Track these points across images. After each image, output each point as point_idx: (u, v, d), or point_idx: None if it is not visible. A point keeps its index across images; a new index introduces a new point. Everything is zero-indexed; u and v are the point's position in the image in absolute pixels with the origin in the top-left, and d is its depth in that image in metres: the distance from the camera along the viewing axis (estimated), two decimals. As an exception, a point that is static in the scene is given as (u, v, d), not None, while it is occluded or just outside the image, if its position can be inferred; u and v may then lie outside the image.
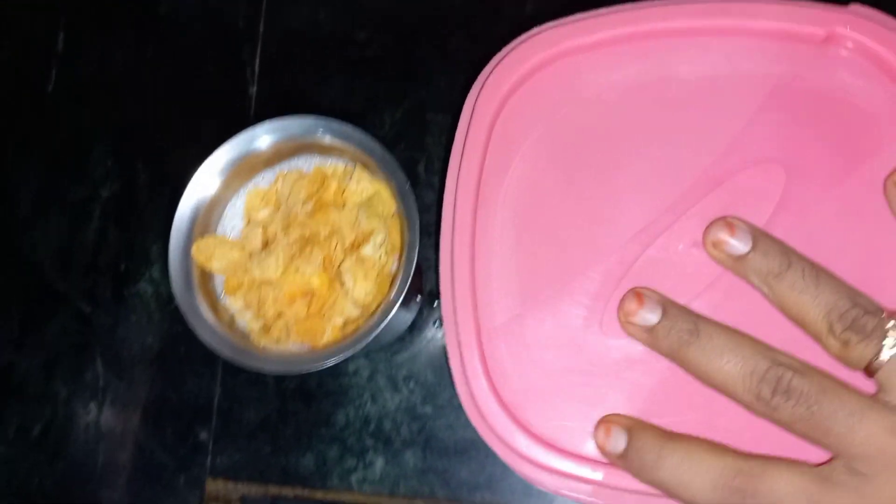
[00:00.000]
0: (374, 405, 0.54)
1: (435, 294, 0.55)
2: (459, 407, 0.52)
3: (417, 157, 0.57)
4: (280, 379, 0.55)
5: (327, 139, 0.43)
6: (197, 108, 0.61)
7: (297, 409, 0.55)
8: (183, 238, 0.44)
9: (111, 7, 0.64)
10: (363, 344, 0.40)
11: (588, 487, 0.39)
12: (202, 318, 0.43)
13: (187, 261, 0.44)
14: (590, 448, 0.40)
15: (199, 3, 0.63)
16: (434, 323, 0.55)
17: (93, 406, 0.56)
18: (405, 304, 0.42)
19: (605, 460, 0.39)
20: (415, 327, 0.55)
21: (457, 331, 0.41)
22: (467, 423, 0.51)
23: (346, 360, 0.53)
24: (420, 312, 0.55)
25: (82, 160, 0.61)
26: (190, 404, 0.56)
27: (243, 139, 0.45)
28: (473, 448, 0.53)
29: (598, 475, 0.39)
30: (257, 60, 0.61)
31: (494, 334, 0.42)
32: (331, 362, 0.41)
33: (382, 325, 0.41)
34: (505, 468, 0.51)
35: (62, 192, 0.61)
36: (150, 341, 0.57)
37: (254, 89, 0.60)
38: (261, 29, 0.61)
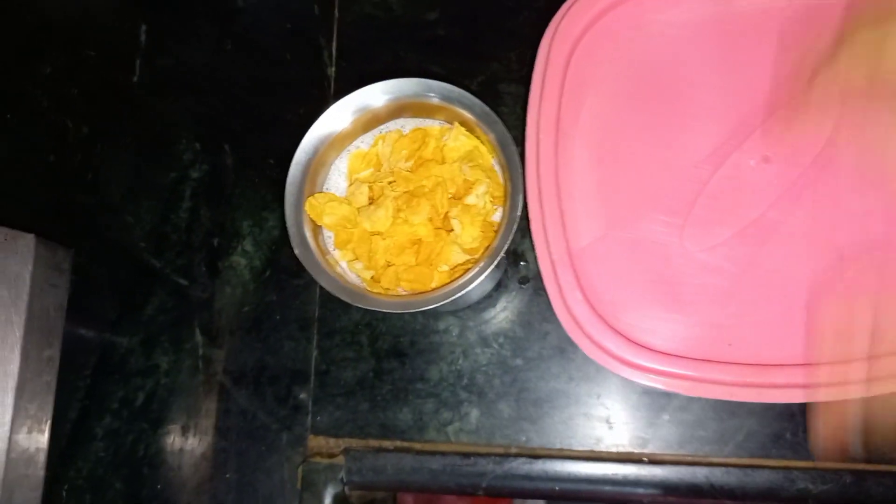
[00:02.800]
0: (465, 360, 0.57)
1: (519, 254, 0.58)
2: (550, 358, 0.55)
3: (495, 125, 0.60)
4: (374, 338, 0.58)
5: (435, 99, 0.46)
6: (277, 94, 0.64)
7: (393, 368, 0.57)
8: (295, 195, 0.47)
9: (188, 2, 0.67)
10: (483, 275, 0.43)
11: (683, 383, 0.43)
12: (320, 266, 0.45)
13: (300, 216, 0.47)
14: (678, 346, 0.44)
15: (275, -7, 0.66)
16: (519, 282, 0.58)
17: (194, 374, 0.59)
18: (508, 250, 0.45)
19: (691, 355, 0.44)
20: (500, 286, 0.58)
21: (549, 251, 0.45)
22: (558, 373, 0.54)
23: (435, 319, 0.56)
24: (505, 272, 0.58)
25: (170, 146, 0.64)
26: (288, 368, 0.58)
27: (347, 103, 0.48)
28: (564, 396, 0.55)
29: (688, 371, 0.43)
30: (334, 45, 0.64)
31: (582, 254, 0.46)
32: (449, 299, 0.43)
33: (496, 262, 0.43)
34: (591, 414, 0.54)
35: (152, 177, 0.64)
36: (246, 310, 0.60)
37: (332, 71, 0.64)
38: (335, 15, 0.65)
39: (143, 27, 0.67)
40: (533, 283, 0.58)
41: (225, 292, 0.61)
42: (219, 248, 0.61)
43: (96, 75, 0.67)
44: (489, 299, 0.57)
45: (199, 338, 0.60)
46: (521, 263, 0.58)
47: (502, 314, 0.57)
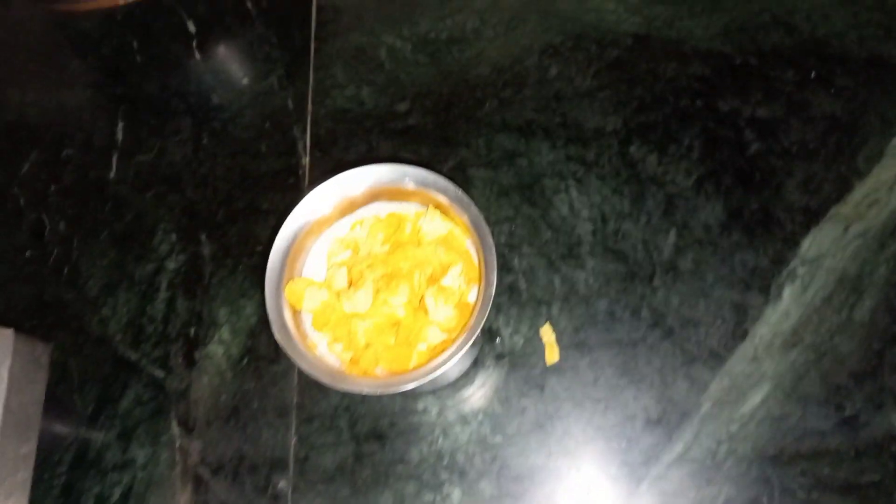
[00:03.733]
0: (445, 440, 0.57)
1: (494, 331, 0.59)
2: (529, 433, 0.56)
3: (465, 208, 0.62)
4: (353, 422, 0.58)
5: (410, 185, 0.48)
6: (254, 184, 0.66)
7: (373, 451, 0.57)
8: (275, 281, 0.48)
9: (167, 99, 0.69)
10: (460, 353, 0.44)
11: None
12: (300, 350, 0.46)
13: (280, 301, 0.48)
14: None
15: (249, 90, 0.69)
16: (495, 358, 0.59)
17: (171, 467, 0.59)
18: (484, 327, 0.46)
19: None
20: (477, 363, 0.59)
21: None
22: (538, 447, 0.55)
23: (414, 399, 0.57)
24: (481, 349, 0.59)
25: (147, 238, 0.65)
26: (267, 456, 0.58)
27: (324, 190, 0.49)
28: (544, 471, 0.56)
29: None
30: (308, 136, 0.67)
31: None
32: (430, 377, 0.44)
33: (473, 338, 0.44)
34: (571, 488, 0.54)
35: (129, 269, 0.64)
36: (223, 399, 0.60)
37: (306, 161, 0.66)
38: (309, 108, 0.67)
39: (121, 125, 0.69)
40: (509, 358, 0.59)
41: (202, 382, 0.61)
42: (195, 338, 0.62)
43: (74, 172, 0.68)
44: (467, 377, 0.58)
45: (175, 429, 0.60)
46: (497, 340, 0.59)
47: (480, 391, 0.58)
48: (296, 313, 0.49)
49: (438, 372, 0.44)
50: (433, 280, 0.48)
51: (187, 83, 0.69)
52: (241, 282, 0.63)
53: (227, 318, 0.62)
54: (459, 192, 0.48)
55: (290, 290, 0.48)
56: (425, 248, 0.49)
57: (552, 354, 0.59)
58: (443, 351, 0.46)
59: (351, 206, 0.51)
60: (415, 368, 0.47)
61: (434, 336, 0.48)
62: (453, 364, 0.44)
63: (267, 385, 0.60)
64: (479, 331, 0.45)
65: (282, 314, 0.48)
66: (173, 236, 0.65)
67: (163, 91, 0.69)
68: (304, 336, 0.49)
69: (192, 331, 0.62)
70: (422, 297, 0.48)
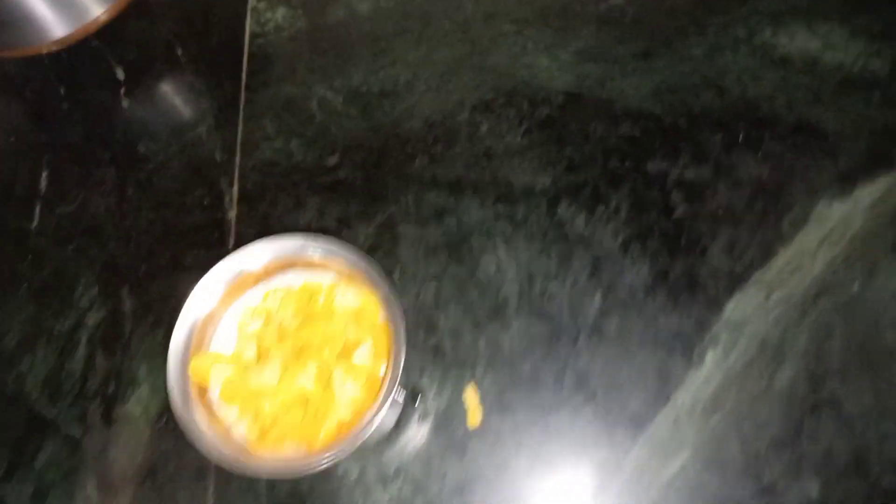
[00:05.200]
0: (366, 502, 0.56)
1: (417, 392, 0.59)
2: (450, 497, 0.55)
3: (392, 266, 0.61)
4: (271, 486, 0.57)
5: (316, 256, 0.48)
6: (178, 238, 0.65)
7: (290, 517, 0.56)
8: (180, 357, 0.47)
9: (92, 148, 0.68)
10: (360, 441, 0.43)
11: None
12: (201, 431, 0.45)
13: (184, 378, 0.47)
14: None
15: (177, 140, 0.68)
16: (417, 419, 0.58)
17: (84, 531, 0.57)
18: (392, 403, 0.46)
19: None
20: (399, 424, 0.58)
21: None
22: (455, 517, 0.54)
23: (335, 464, 0.56)
24: (404, 409, 0.58)
25: (67, 292, 0.64)
26: (183, 521, 0.57)
27: (235, 260, 0.49)
28: (463, 541, 0.55)
29: None
30: (235, 189, 0.66)
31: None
32: (328, 462, 0.43)
33: (377, 423, 0.44)
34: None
35: (48, 324, 0.63)
36: (140, 459, 0.59)
37: (233, 214, 0.65)
38: (237, 160, 0.66)
39: (45, 173, 0.67)
40: (432, 420, 0.58)
41: (119, 442, 0.59)
42: (114, 396, 0.61)
43: (-6, 221, 0.66)
44: (388, 439, 0.58)
45: (91, 491, 0.58)
46: (419, 401, 0.58)
47: (402, 453, 0.57)
48: (202, 388, 0.48)
49: (339, 456, 0.43)
50: (343, 356, 0.48)
51: (114, 132, 0.68)
52: (161, 339, 0.62)
53: (147, 375, 0.61)
54: (371, 264, 0.47)
55: (194, 368, 0.47)
56: (336, 321, 0.48)
57: (474, 418, 0.58)
58: (350, 427, 0.46)
59: (264, 275, 0.51)
60: (323, 447, 0.46)
61: (343, 412, 0.47)
62: (350, 451, 0.44)
63: (185, 446, 0.58)
64: (383, 412, 0.45)
65: (186, 391, 0.47)
66: (94, 290, 0.64)
67: (88, 139, 0.68)
68: (211, 410, 0.48)
69: (111, 388, 0.61)
70: (330, 374, 0.47)
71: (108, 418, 0.60)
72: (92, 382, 0.61)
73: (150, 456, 0.59)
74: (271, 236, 0.49)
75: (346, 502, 0.57)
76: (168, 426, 0.59)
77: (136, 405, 0.60)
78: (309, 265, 0.50)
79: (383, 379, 0.47)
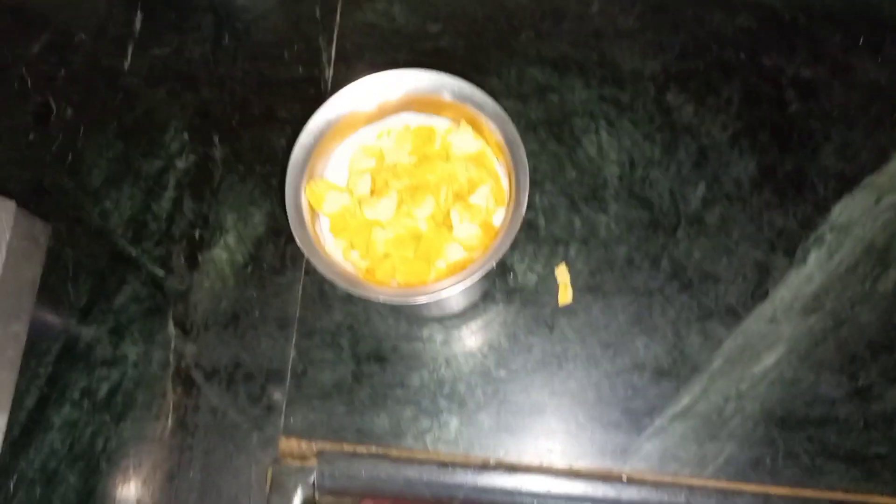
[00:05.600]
0: (448, 369, 0.56)
1: (508, 266, 0.57)
2: (533, 371, 0.54)
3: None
4: (355, 341, 0.56)
5: (447, 97, 0.46)
6: (273, 91, 0.63)
7: (372, 372, 0.56)
8: (296, 179, 0.46)
9: (189, -6, 0.66)
10: (480, 273, 0.42)
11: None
12: (317, 251, 0.44)
13: (299, 200, 0.46)
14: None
15: (277, -6, 0.66)
16: (506, 293, 0.57)
17: (164, 368, 0.57)
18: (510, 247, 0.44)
19: None
20: (487, 296, 0.57)
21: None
22: (541, 385, 0.53)
23: (420, 324, 0.55)
24: (493, 283, 0.57)
25: (157, 135, 0.62)
26: (264, 367, 0.56)
27: (357, 87, 0.47)
28: (546, 410, 0.54)
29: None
30: (333, 48, 0.64)
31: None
32: (449, 292, 0.42)
33: (497, 258, 0.42)
34: (571, 431, 0.53)
35: (136, 164, 0.62)
36: (223, 305, 0.58)
37: (329, 73, 0.63)
38: (337, 19, 0.64)
39: (139, 15, 0.66)
40: (520, 295, 0.57)
41: (203, 286, 0.59)
42: (200, 241, 0.60)
43: (86, 59, 0.65)
44: (475, 309, 0.57)
45: (172, 330, 0.58)
46: (510, 276, 0.57)
47: (488, 325, 0.57)
48: (314, 216, 0.47)
49: (458, 289, 0.42)
50: (460, 196, 0.46)
51: (213, -21, 0.66)
52: (251, 189, 0.61)
53: (235, 224, 0.60)
54: (498, 108, 0.46)
55: (310, 191, 0.46)
56: (454, 163, 0.47)
57: (565, 295, 0.57)
58: (462, 269, 0.45)
59: (379, 114, 0.49)
60: (432, 284, 0.45)
61: (454, 253, 0.46)
62: (473, 282, 0.43)
63: (269, 295, 0.58)
64: (502, 254, 0.43)
65: (301, 213, 0.45)
66: (185, 135, 0.62)
67: (186, -17, 0.66)
68: (320, 241, 0.47)
69: (197, 233, 0.60)
70: (447, 212, 0.46)
71: (192, 261, 0.59)
72: (178, 225, 0.60)
73: (233, 302, 0.58)
74: (408, 69, 0.47)
75: (427, 364, 0.56)
76: (253, 275, 0.59)
77: (221, 251, 0.59)
78: (425, 106, 0.49)
79: (503, 223, 0.45)
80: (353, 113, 0.48)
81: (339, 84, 0.61)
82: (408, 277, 0.45)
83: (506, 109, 0.60)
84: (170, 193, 0.61)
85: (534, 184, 0.59)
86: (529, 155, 0.59)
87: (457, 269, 0.46)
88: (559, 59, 0.63)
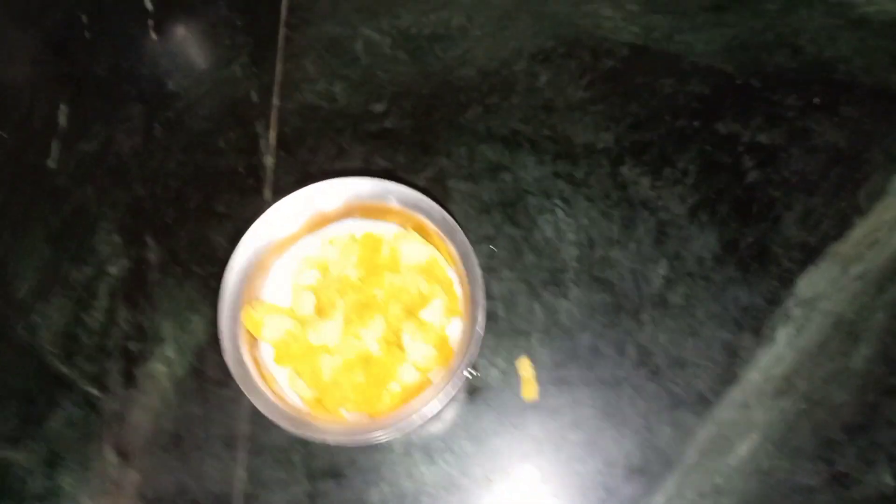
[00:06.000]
0: (409, 480, 0.52)
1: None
2: (501, 476, 0.51)
3: (443, 225, 0.57)
4: (308, 457, 0.53)
5: (393, 203, 0.43)
6: (209, 182, 0.60)
7: (328, 490, 0.52)
8: (231, 305, 0.42)
9: (117, 82, 0.62)
10: (433, 412, 0.39)
11: None
12: (257, 388, 0.41)
13: (236, 328, 0.42)
14: None
15: (209, 77, 0.62)
16: (468, 392, 0.54)
17: (103, 499, 0.52)
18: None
19: None
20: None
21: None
22: (509, 493, 0.50)
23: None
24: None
25: (87, 238, 0.59)
26: (211, 491, 0.53)
27: (294, 200, 0.44)
28: (516, 520, 0.51)
29: None
30: (272, 133, 0.61)
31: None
32: (404, 428, 0.39)
33: (452, 392, 0.39)
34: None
35: (65, 271, 0.58)
36: (165, 425, 0.54)
37: (270, 160, 0.60)
38: (275, 102, 0.61)
39: (63, 108, 0.62)
40: (482, 393, 0.54)
41: (141, 404, 0.55)
42: (136, 354, 0.56)
43: (7, 156, 0.61)
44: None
45: (109, 456, 0.54)
46: (471, 373, 0.54)
47: (450, 428, 0.53)
48: (254, 340, 0.43)
49: (414, 424, 0.39)
50: (411, 312, 0.43)
51: (141, 66, 0.63)
52: (189, 293, 0.57)
53: (173, 333, 0.56)
54: (446, 215, 0.43)
55: (248, 317, 0.42)
56: (404, 275, 0.44)
57: (529, 390, 0.54)
58: (418, 392, 0.41)
59: (322, 222, 0.46)
60: (386, 411, 0.42)
61: (409, 375, 0.43)
62: (433, 414, 0.39)
63: (214, 411, 0.54)
64: (462, 372, 0.40)
65: (237, 343, 0.42)
66: (116, 237, 0.58)
67: (113, 73, 0.63)
68: (261, 368, 0.43)
69: (134, 345, 0.56)
70: (398, 332, 0.43)
71: (129, 378, 0.55)
72: (112, 338, 0.56)
73: (176, 421, 0.54)
74: (349, 178, 0.44)
75: (388, 477, 0.52)
76: (195, 389, 0.55)
77: (160, 364, 0.56)
78: (370, 213, 0.46)
79: (459, 340, 0.42)
80: (292, 225, 0.44)
81: (279, 172, 0.58)
82: (359, 405, 0.42)
83: (457, 191, 0.57)
84: (102, 303, 0.57)
85: (491, 271, 0.57)
86: (485, 239, 0.57)
87: (412, 391, 0.42)
88: (510, 135, 0.60)
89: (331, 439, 0.39)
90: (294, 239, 0.45)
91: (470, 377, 0.54)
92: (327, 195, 0.43)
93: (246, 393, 0.40)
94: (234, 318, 0.42)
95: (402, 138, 0.60)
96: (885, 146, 0.59)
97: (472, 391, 0.54)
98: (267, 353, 0.44)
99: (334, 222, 0.46)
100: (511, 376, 0.55)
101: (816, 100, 0.60)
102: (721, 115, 0.60)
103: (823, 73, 0.61)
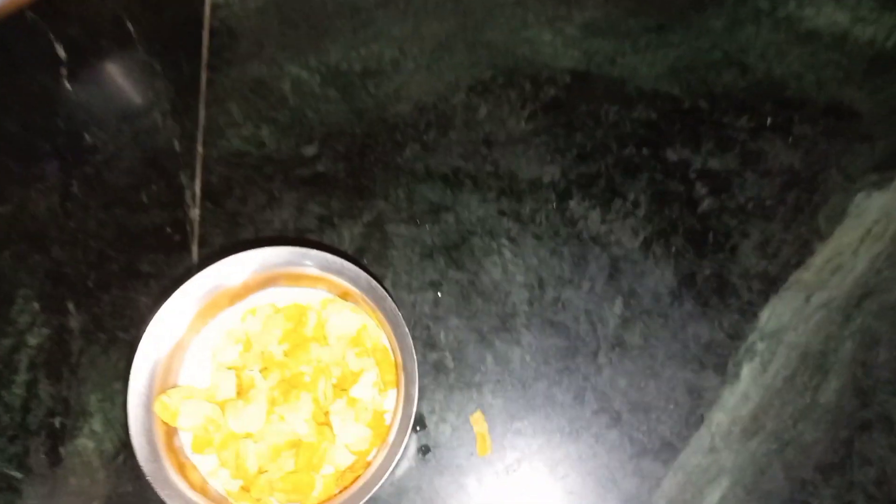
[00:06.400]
0: (360, 554, 0.49)
1: (417, 419, 0.51)
2: (456, 546, 0.48)
3: (382, 272, 0.53)
4: (251, 536, 0.49)
5: (312, 270, 0.39)
6: (133, 241, 0.56)
7: (273, 569, 0.48)
8: (143, 394, 0.39)
9: (30, 138, 0.58)
10: (367, 496, 0.36)
11: None
12: (174, 485, 0.37)
13: (150, 419, 0.38)
14: None
15: (128, 127, 0.58)
16: (418, 451, 0.50)
17: (29, 592, 0.49)
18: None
19: None
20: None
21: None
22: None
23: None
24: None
25: (4, 307, 0.55)
26: (147, 579, 0.49)
27: (206, 275, 0.40)
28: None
29: None
30: (197, 183, 0.57)
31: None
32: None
33: (387, 474, 0.36)
34: None
35: (-20, 344, 0.54)
36: (94, 507, 0.50)
37: (196, 213, 0.56)
38: (199, 150, 0.58)
39: (-28, 168, 0.57)
40: (434, 452, 0.51)
41: (69, 485, 0.51)
42: (62, 430, 0.52)
43: (-87, 224, 0.57)
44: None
45: (35, 545, 0.50)
46: (419, 430, 0.51)
47: (400, 493, 0.50)
48: (170, 431, 0.40)
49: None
50: (341, 388, 0.40)
51: (55, 119, 0.59)
52: (115, 361, 0.53)
53: (100, 405, 0.52)
54: (372, 282, 0.39)
55: (161, 406, 0.39)
56: (332, 347, 0.40)
57: (484, 446, 0.51)
58: (355, 478, 0.38)
59: (243, 292, 0.42)
60: (320, 500, 0.38)
61: (342, 458, 0.39)
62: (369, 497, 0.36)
63: (147, 488, 0.49)
64: (398, 456, 0.37)
65: (152, 437, 0.38)
66: (35, 305, 0.54)
67: (25, 128, 0.58)
68: (180, 458, 0.39)
69: (58, 421, 0.52)
70: (327, 412, 0.39)
71: (54, 457, 0.51)
72: (35, 414, 0.52)
73: (106, 501, 0.51)
74: (258, 249, 0.41)
75: (338, 548, 0.49)
76: (127, 465, 0.51)
77: (87, 441, 0.52)
78: (296, 279, 0.42)
79: (393, 418, 0.39)
80: (209, 298, 0.41)
81: (206, 225, 0.55)
82: (290, 494, 0.39)
83: (398, 236, 0.54)
84: (22, 377, 0.53)
85: (437, 319, 0.53)
86: (429, 286, 0.53)
87: (346, 475, 0.39)
88: (450, 173, 0.57)
89: (256, 539, 0.35)
90: (213, 311, 0.41)
91: (420, 432, 0.51)
92: (242, 267, 0.40)
93: (161, 496, 0.37)
94: (147, 409, 0.39)
95: (337, 182, 0.57)
96: (843, 165, 0.56)
97: (424, 450, 0.51)
98: (187, 441, 0.40)
99: (256, 291, 0.42)
100: (464, 432, 0.51)
101: (769, 120, 0.57)
102: (670, 141, 0.57)
103: (774, 91, 0.58)
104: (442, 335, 0.53)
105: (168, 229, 0.56)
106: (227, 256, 0.43)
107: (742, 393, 0.52)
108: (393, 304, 0.39)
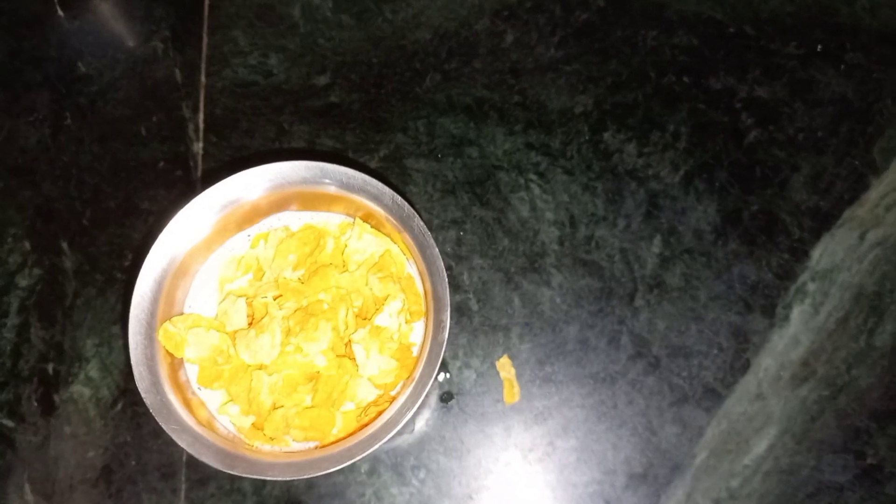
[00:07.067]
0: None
1: (441, 365, 0.47)
2: (483, 494, 0.44)
3: (403, 210, 0.49)
4: (260, 485, 0.45)
5: (331, 188, 0.35)
6: (131, 176, 0.52)
7: (285, 523, 0.45)
8: (144, 321, 0.35)
9: (20, 67, 0.54)
10: (392, 433, 0.32)
11: None
12: (181, 419, 0.33)
13: (152, 349, 0.34)
14: None
15: (126, 57, 0.54)
16: (440, 399, 0.47)
17: (21, 548, 0.45)
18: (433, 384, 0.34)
19: None
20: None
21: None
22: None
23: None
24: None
25: (-8, 246, 0.50)
26: (148, 532, 0.45)
27: (213, 195, 0.36)
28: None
29: None
30: (200, 116, 0.53)
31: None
32: (347, 462, 0.32)
33: (414, 409, 0.32)
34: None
35: (-32, 286, 0.50)
36: (91, 456, 0.47)
37: (199, 147, 0.52)
38: (202, 80, 0.53)
39: (-42, 98, 0.53)
40: (458, 399, 0.47)
41: (63, 434, 0.47)
42: (55, 377, 0.48)
43: None
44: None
45: (29, 496, 0.46)
46: (443, 376, 0.47)
47: (422, 441, 0.46)
48: (175, 363, 0.36)
49: (371, 450, 0.32)
50: (363, 317, 0.36)
51: (46, 47, 0.55)
52: (113, 303, 0.49)
53: (96, 350, 0.48)
54: (397, 197, 0.35)
55: (165, 334, 0.35)
56: (353, 274, 0.36)
57: (511, 393, 0.47)
58: (378, 413, 0.34)
59: (253, 216, 0.38)
60: (341, 438, 0.34)
61: (365, 392, 0.35)
62: (376, 445, 0.32)
63: (148, 437, 0.47)
64: (427, 389, 0.33)
65: (155, 368, 0.34)
66: (26, 244, 0.50)
67: (14, 57, 0.54)
68: (186, 393, 0.35)
69: (51, 367, 0.48)
70: (348, 342, 0.35)
71: (48, 404, 0.48)
72: (26, 359, 0.49)
73: (104, 451, 0.47)
74: (273, 163, 0.37)
75: (353, 503, 0.45)
76: (125, 413, 0.47)
77: (83, 387, 0.48)
78: (312, 201, 0.38)
79: (421, 347, 0.35)
80: (215, 222, 0.36)
81: (210, 160, 0.51)
82: (307, 431, 0.35)
83: (417, 171, 0.50)
84: (12, 320, 0.49)
85: (461, 259, 0.49)
86: (451, 224, 0.49)
87: (370, 411, 0.35)
88: (474, 104, 0.53)
89: (270, 476, 0.32)
90: (220, 237, 0.37)
91: (443, 378, 0.47)
92: (253, 184, 0.36)
93: (166, 429, 0.33)
94: (150, 338, 0.34)
95: (351, 115, 0.52)
96: (898, 95, 0.52)
97: (446, 398, 0.47)
98: (193, 377, 0.36)
99: (267, 215, 0.38)
100: (489, 378, 0.47)
101: (819, 47, 0.53)
102: (713, 69, 0.53)
103: (825, 16, 0.54)
104: (465, 276, 0.49)
105: (169, 164, 0.52)
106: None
107: (791, 336, 0.48)
108: (422, 223, 0.35)
